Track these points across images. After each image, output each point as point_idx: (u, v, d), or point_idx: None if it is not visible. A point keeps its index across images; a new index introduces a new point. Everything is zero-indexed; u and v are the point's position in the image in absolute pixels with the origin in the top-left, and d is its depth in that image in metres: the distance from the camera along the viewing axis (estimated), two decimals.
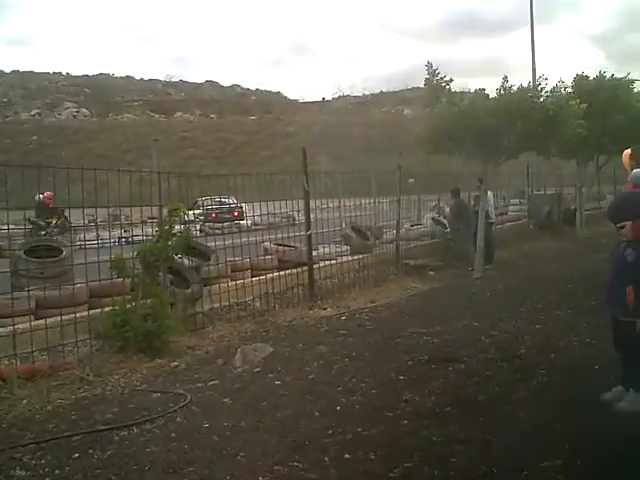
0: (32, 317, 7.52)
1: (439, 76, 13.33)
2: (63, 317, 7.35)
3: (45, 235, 9.59)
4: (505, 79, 12.74)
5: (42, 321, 7.26)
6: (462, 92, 13.95)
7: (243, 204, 21.17)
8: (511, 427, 4.86)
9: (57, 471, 4.46)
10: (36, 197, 10.51)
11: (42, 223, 12.19)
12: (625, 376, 5.29)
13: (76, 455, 4.74)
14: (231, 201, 21.85)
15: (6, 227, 9.54)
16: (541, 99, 12.90)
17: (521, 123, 12.22)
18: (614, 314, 5.36)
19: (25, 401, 6.04)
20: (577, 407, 5.15)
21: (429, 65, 13.39)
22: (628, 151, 6.09)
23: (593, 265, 11.81)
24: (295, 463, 4.37)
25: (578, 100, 13.45)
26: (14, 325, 6.92)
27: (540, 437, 4.61)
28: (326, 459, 4.42)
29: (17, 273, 8.61)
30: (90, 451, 4.81)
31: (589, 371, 6.12)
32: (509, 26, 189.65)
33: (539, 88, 13.13)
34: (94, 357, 7.28)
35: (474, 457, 4.32)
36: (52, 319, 7.36)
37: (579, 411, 5.06)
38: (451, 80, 13.37)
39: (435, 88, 13.33)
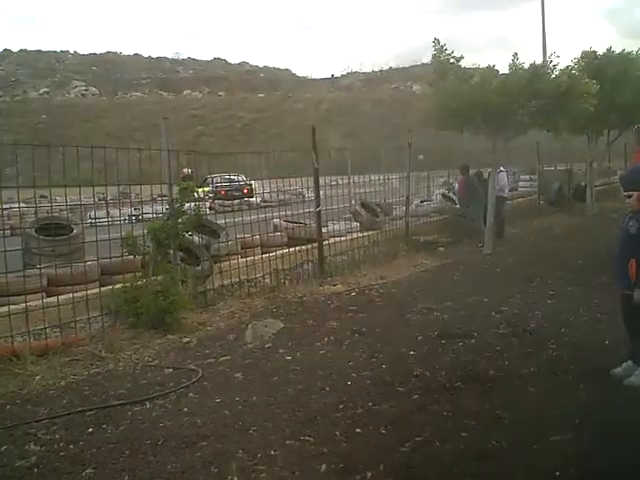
0: (44, 294, 7.57)
1: (446, 52, 13.22)
2: (75, 294, 7.40)
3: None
4: (515, 56, 12.63)
5: (54, 298, 7.31)
6: (472, 68, 13.77)
7: (252, 182, 21.20)
8: (521, 401, 4.88)
9: (71, 446, 4.51)
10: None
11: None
12: (635, 351, 5.29)
13: (90, 430, 4.79)
14: (240, 179, 21.88)
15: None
16: (552, 76, 12.77)
17: (532, 100, 12.12)
18: (620, 288, 5.35)
19: (39, 377, 6.11)
20: (587, 382, 5.15)
21: (436, 42, 13.26)
22: None
23: (603, 241, 11.75)
24: (306, 437, 4.40)
25: (592, 81, 13.31)
26: (26, 302, 6.97)
27: (550, 411, 4.62)
28: (337, 433, 4.45)
29: (29, 251, 8.66)
30: (104, 426, 4.86)
31: (599, 346, 6.12)
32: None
33: (550, 65, 13.00)
34: (106, 333, 7.34)
35: (484, 431, 4.34)
36: (64, 296, 7.41)
37: (589, 386, 5.07)
38: (461, 57, 13.26)
39: (442, 65, 13.20)
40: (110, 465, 4.17)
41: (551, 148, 24.38)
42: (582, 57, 17.20)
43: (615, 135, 20.20)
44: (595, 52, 17.64)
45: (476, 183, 15.17)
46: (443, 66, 13.15)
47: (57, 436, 4.71)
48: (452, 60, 13.11)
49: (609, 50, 17.79)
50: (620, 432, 4.18)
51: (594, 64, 16.75)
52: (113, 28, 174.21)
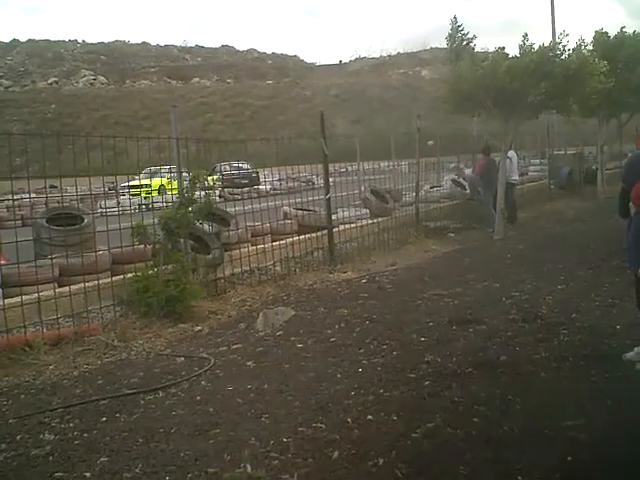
0: (56, 284, 7.60)
1: (462, 32, 13.12)
2: (87, 284, 7.43)
3: None
4: (525, 37, 12.53)
5: (66, 288, 7.34)
6: (482, 52, 13.66)
7: (258, 170, 21.14)
8: (533, 387, 4.87)
9: (85, 435, 4.54)
10: None
11: None
12: None
13: (104, 419, 4.82)
14: (249, 166, 21.85)
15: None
16: (562, 56, 12.67)
17: (542, 82, 12.03)
18: (636, 272, 5.33)
19: (52, 367, 6.15)
20: (599, 367, 5.14)
21: (453, 20, 13.15)
22: None
23: (615, 225, 11.67)
24: (318, 424, 4.41)
25: (599, 58, 13.21)
26: (38, 292, 7.01)
27: (562, 397, 4.62)
28: (349, 420, 4.46)
29: (40, 241, 8.69)
30: (117, 415, 4.89)
31: (611, 331, 6.10)
32: None
33: (559, 45, 12.89)
34: (118, 323, 7.37)
35: (496, 417, 4.34)
36: (76, 286, 7.44)
37: (601, 371, 5.06)
38: (474, 37, 13.18)
39: (458, 45, 13.10)
40: (124, 453, 4.20)
41: (561, 131, 24.22)
42: (594, 37, 17.07)
43: (627, 117, 20.07)
44: (606, 33, 17.50)
45: (494, 167, 14.90)
46: (458, 47, 13.06)
47: (71, 425, 4.74)
48: (465, 41, 13.03)
49: (621, 31, 17.65)
50: (633, 417, 4.18)
51: (607, 45, 16.61)
52: (121, 17, 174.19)
